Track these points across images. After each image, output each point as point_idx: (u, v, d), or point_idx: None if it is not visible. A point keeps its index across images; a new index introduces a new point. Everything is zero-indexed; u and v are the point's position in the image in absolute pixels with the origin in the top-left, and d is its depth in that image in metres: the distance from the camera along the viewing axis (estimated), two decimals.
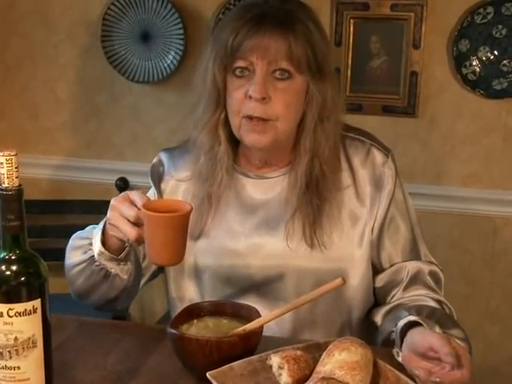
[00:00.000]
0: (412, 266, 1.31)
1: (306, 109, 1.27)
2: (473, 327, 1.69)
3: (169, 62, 2.38)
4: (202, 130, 1.30)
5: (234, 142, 1.31)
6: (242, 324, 1.11)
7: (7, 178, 0.90)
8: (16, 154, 0.90)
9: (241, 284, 1.31)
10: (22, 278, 0.92)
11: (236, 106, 1.24)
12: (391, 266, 1.32)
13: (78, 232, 1.32)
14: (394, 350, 1.12)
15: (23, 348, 0.92)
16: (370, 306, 1.36)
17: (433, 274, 1.32)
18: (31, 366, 0.93)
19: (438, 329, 1.10)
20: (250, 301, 1.24)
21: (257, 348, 1.09)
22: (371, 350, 1.04)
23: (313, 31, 1.23)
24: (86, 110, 2.53)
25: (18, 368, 0.93)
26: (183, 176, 1.37)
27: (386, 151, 1.34)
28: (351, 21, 2.24)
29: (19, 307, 0.91)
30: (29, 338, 0.92)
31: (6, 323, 0.91)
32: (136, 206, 1.12)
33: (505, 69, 2.19)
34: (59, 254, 1.46)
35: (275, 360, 1.02)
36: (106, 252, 1.21)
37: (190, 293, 1.36)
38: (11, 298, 0.91)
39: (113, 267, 1.23)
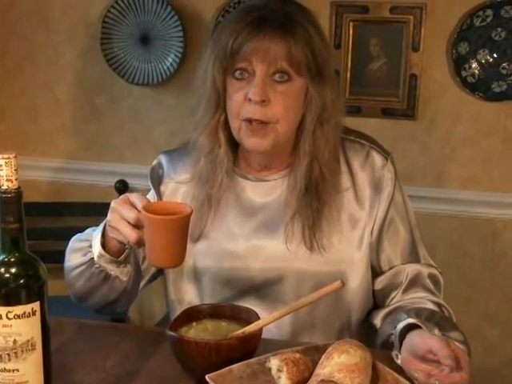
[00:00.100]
0: (411, 269, 1.31)
1: (305, 111, 1.27)
2: (472, 329, 1.69)
3: (168, 64, 2.38)
4: (202, 133, 1.30)
5: (234, 145, 1.31)
6: (241, 327, 1.11)
7: (6, 180, 0.90)
8: (15, 157, 0.90)
9: (240, 286, 1.31)
10: (21, 281, 0.92)
11: (235, 108, 1.24)
12: (390, 268, 1.32)
13: (78, 234, 1.32)
14: (393, 353, 1.11)
15: (22, 350, 0.92)
16: (369, 309, 1.36)
17: (432, 277, 1.33)
18: (30, 368, 0.93)
19: (437, 331, 1.10)
20: (250, 303, 1.24)
21: (256, 351, 1.09)
22: (370, 353, 1.04)
23: (312, 34, 1.23)
24: (86, 112, 2.54)
25: (17, 370, 0.92)
26: (183, 178, 1.37)
27: (386, 154, 1.34)
28: (351, 23, 2.25)
29: (18, 310, 0.91)
30: (28, 341, 0.92)
31: (5, 326, 0.91)
32: (136, 208, 1.12)
33: (504, 71, 2.19)
34: (58, 257, 1.46)
35: (274, 363, 1.02)
36: (106, 254, 1.21)
37: (189, 295, 1.36)
38: (10, 300, 0.91)
39: (112, 269, 1.23)
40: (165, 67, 2.38)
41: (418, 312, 1.18)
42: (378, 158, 1.32)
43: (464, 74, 2.20)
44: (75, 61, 2.50)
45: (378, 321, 1.31)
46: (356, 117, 2.23)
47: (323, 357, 1.02)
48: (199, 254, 1.32)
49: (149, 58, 2.40)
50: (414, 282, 1.31)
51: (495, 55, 2.19)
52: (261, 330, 1.10)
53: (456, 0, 2.19)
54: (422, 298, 1.28)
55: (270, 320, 1.10)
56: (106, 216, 1.24)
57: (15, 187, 0.91)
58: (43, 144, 2.59)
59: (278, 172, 1.33)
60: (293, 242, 1.28)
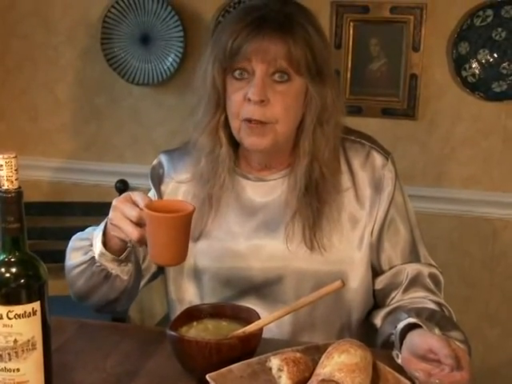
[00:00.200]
0: (412, 269, 1.31)
1: (305, 111, 1.27)
2: (472, 329, 1.69)
3: (168, 64, 2.38)
4: (203, 133, 1.30)
5: (235, 145, 1.32)
6: (242, 326, 1.11)
7: (7, 180, 0.90)
8: (16, 157, 0.90)
9: (240, 286, 1.31)
10: (22, 280, 0.92)
11: (235, 108, 1.24)
12: (391, 268, 1.32)
13: (78, 233, 1.32)
14: (394, 352, 1.11)
15: (23, 350, 0.92)
16: (369, 308, 1.36)
17: (432, 277, 1.33)
18: (31, 368, 0.93)
19: (437, 331, 1.10)
20: (250, 303, 1.24)
21: (256, 350, 1.09)
22: (371, 352, 1.04)
23: (312, 34, 1.23)
24: (86, 111, 2.54)
25: (18, 370, 0.93)
26: (183, 178, 1.37)
27: (386, 154, 1.34)
28: (351, 23, 2.25)
29: (19, 309, 0.91)
30: (28, 340, 0.92)
31: (6, 325, 0.91)
32: (138, 206, 1.13)
33: (504, 71, 2.19)
34: (59, 256, 1.46)
35: (275, 362, 1.02)
36: (107, 253, 1.21)
37: (189, 294, 1.36)
38: (11, 300, 0.91)
39: (113, 268, 1.23)
40: (165, 67, 2.38)
41: (418, 311, 1.18)
42: (378, 158, 1.32)
43: (464, 73, 2.20)
44: (75, 61, 2.51)
45: (378, 320, 1.31)
46: (356, 117, 2.23)
47: (323, 356, 1.02)
48: (200, 253, 1.32)
49: (149, 58, 2.40)
50: (415, 282, 1.31)
51: (495, 55, 2.19)
52: (261, 329, 1.10)
53: (456, 0, 2.19)
54: (422, 298, 1.28)
55: (270, 320, 1.10)
56: (106, 216, 1.24)
57: (15, 187, 0.91)
58: (43, 144, 2.59)
59: (279, 172, 1.33)
60: (293, 241, 1.28)
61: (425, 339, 1.04)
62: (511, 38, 2.17)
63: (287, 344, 1.12)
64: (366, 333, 1.34)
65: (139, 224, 1.12)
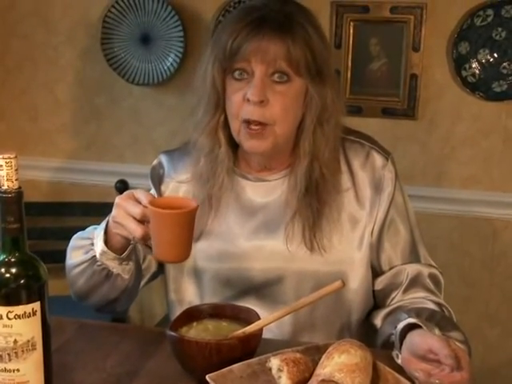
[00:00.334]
0: (412, 269, 1.31)
1: (305, 111, 1.26)
2: (472, 329, 1.69)
3: (169, 64, 2.38)
4: (202, 133, 1.30)
5: (234, 145, 1.31)
6: (242, 326, 1.11)
7: (7, 180, 0.90)
8: (16, 157, 0.90)
9: (240, 286, 1.31)
10: (22, 281, 0.92)
11: (235, 109, 1.24)
12: (391, 268, 1.32)
13: (79, 232, 1.32)
14: (394, 353, 1.11)
15: (23, 350, 0.92)
16: (369, 309, 1.36)
17: (432, 277, 1.33)
18: (31, 368, 0.93)
19: (437, 331, 1.10)
20: (250, 303, 1.24)
21: (256, 350, 1.09)
22: (371, 353, 1.04)
23: (312, 34, 1.23)
24: (86, 111, 2.54)
25: (18, 370, 0.93)
26: (183, 178, 1.37)
27: (386, 154, 1.34)
28: (351, 23, 2.25)
29: (19, 310, 0.91)
30: (28, 341, 0.92)
31: (6, 326, 0.91)
32: (141, 203, 1.13)
33: (504, 71, 2.19)
34: (59, 256, 1.46)
35: (275, 362, 1.02)
36: (109, 251, 1.21)
37: (189, 295, 1.36)
38: (11, 300, 0.91)
39: (115, 267, 1.23)
40: (165, 67, 2.38)
41: (418, 312, 1.18)
42: (378, 158, 1.32)
43: (464, 73, 2.20)
44: (75, 61, 2.51)
45: (378, 321, 1.31)
46: (356, 117, 2.23)
47: (324, 357, 1.02)
48: (200, 253, 1.32)
49: (149, 58, 2.40)
50: (415, 282, 1.31)
51: (496, 55, 2.19)
52: (261, 329, 1.10)
53: (456, 0, 2.19)
54: (422, 298, 1.28)
55: (270, 320, 1.10)
56: (106, 216, 1.24)
57: (15, 187, 0.91)
58: (43, 144, 2.59)
59: (279, 172, 1.33)
60: (293, 242, 1.28)
61: (425, 339, 1.04)
62: (511, 38, 2.17)
63: (287, 344, 1.12)
64: (366, 333, 1.34)
65: (142, 221, 1.12)
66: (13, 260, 0.92)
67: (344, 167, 1.32)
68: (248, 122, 1.22)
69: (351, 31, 2.25)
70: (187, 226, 1.08)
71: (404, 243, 1.33)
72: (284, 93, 1.22)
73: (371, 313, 1.35)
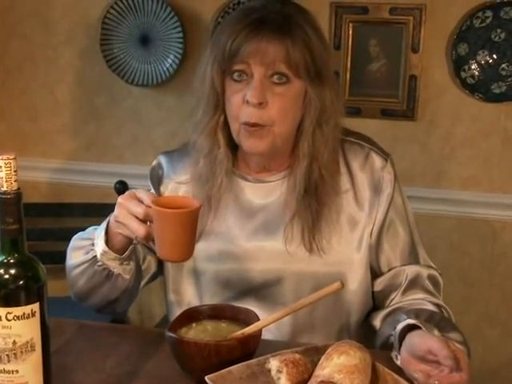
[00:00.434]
0: (411, 270, 1.31)
1: (304, 113, 1.26)
2: (472, 330, 1.69)
3: (168, 65, 2.38)
4: (202, 134, 1.30)
5: (233, 146, 1.32)
6: (241, 328, 1.11)
7: (6, 181, 0.90)
8: (15, 158, 0.90)
9: (240, 287, 1.31)
10: (21, 282, 0.92)
11: (234, 111, 1.24)
12: (390, 269, 1.32)
13: (79, 233, 1.32)
14: (393, 354, 1.12)
15: (21, 352, 0.92)
16: (368, 310, 1.36)
17: (431, 278, 1.33)
18: (29, 369, 0.93)
19: (436, 332, 1.10)
20: (249, 304, 1.24)
21: (255, 352, 1.09)
22: (370, 354, 1.04)
23: (311, 35, 1.23)
24: (86, 112, 2.54)
25: (17, 372, 0.92)
26: (182, 179, 1.37)
27: (385, 155, 1.34)
28: (350, 24, 2.25)
29: (18, 311, 0.91)
30: (27, 342, 0.92)
31: (5, 327, 0.91)
32: (143, 203, 1.13)
33: (504, 72, 2.19)
34: (58, 257, 1.46)
35: (274, 364, 1.02)
36: (110, 251, 1.21)
37: (188, 296, 1.36)
38: (10, 301, 0.91)
39: (115, 267, 1.23)
40: (164, 68, 2.38)
41: (417, 313, 1.18)
42: (377, 160, 1.32)
43: (463, 75, 2.20)
44: (75, 61, 2.51)
45: (377, 322, 1.31)
46: (355, 118, 2.23)
47: (323, 358, 1.02)
48: (199, 254, 1.32)
49: (148, 59, 2.40)
50: (414, 284, 1.31)
51: (495, 56, 2.19)
52: (260, 331, 1.10)
53: (455, 1, 2.19)
54: (421, 300, 1.28)
55: (269, 321, 1.10)
56: (105, 216, 1.24)
57: (15, 188, 0.91)
58: (43, 145, 2.59)
59: (278, 173, 1.33)
60: (292, 243, 1.28)
61: (424, 340, 1.04)
62: (510, 39, 2.17)
63: (286, 345, 1.12)
64: (365, 334, 1.34)
65: (144, 221, 1.12)
66: (12, 261, 0.92)
67: (343, 168, 1.32)
68: (247, 124, 1.22)
69: (350, 32, 2.25)
70: (190, 225, 1.09)
71: (403, 244, 1.33)
72: (283, 94, 1.22)
73: (370, 314, 1.35)
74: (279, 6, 1.25)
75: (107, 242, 1.21)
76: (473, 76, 2.20)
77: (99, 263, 1.23)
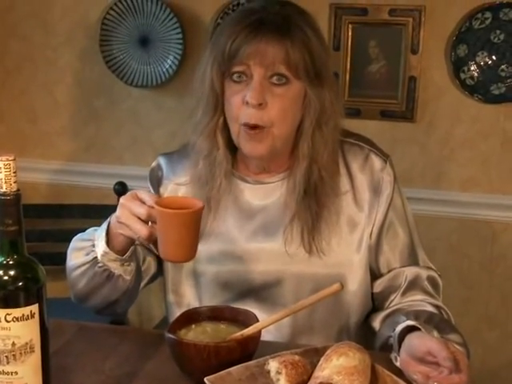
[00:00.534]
0: (410, 272, 1.31)
1: (304, 114, 1.26)
2: (471, 331, 1.69)
3: (167, 66, 2.38)
4: (201, 135, 1.30)
5: (233, 147, 1.31)
6: (240, 329, 1.11)
7: (5, 182, 0.90)
8: (14, 159, 0.90)
9: (239, 289, 1.31)
10: (20, 283, 0.92)
11: (234, 112, 1.24)
12: (389, 271, 1.32)
13: (79, 234, 1.32)
14: (392, 355, 1.12)
15: (21, 353, 0.92)
16: (368, 311, 1.36)
17: (431, 280, 1.33)
18: (29, 371, 0.93)
19: (436, 334, 1.10)
20: (249, 306, 1.23)
21: (255, 353, 1.09)
22: (369, 355, 1.04)
23: (310, 37, 1.23)
24: (85, 113, 2.54)
25: (16, 373, 0.92)
26: (182, 180, 1.37)
27: (385, 157, 1.34)
28: (349, 25, 2.25)
29: (17, 312, 0.91)
30: (26, 343, 0.92)
31: (4, 328, 0.91)
32: (145, 204, 1.13)
33: (503, 74, 2.19)
34: (58, 259, 1.46)
35: (273, 365, 1.02)
36: (111, 252, 1.21)
37: (188, 297, 1.36)
38: (9, 303, 0.91)
39: (116, 268, 1.23)
40: (164, 69, 2.38)
41: (416, 314, 1.18)
42: (377, 161, 1.32)
43: (463, 76, 2.21)
44: (74, 62, 2.51)
45: (376, 323, 1.31)
46: (355, 119, 2.23)
47: (322, 359, 1.02)
48: (199, 255, 1.31)
49: (148, 60, 2.40)
50: (413, 285, 1.31)
51: (494, 57, 2.19)
52: (260, 332, 1.10)
53: (455, 2, 2.19)
54: (420, 301, 1.28)
55: (268, 322, 1.10)
56: (105, 218, 1.24)
57: (14, 190, 0.91)
58: (42, 146, 2.59)
59: (277, 175, 1.33)
60: (292, 245, 1.28)
61: (423, 341, 1.04)
62: (510, 41, 2.17)
63: (286, 347, 1.12)
64: (364, 335, 1.34)
65: (146, 222, 1.12)
66: (11, 262, 0.92)
67: (343, 170, 1.32)
68: (247, 126, 1.22)
69: (350, 33, 2.25)
70: (194, 225, 1.09)
71: (402, 246, 1.33)
72: (283, 95, 1.22)
73: (370, 315, 1.35)
74: (278, 7, 1.25)
75: (108, 242, 1.21)
76: (472, 77, 2.21)
77: (100, 264, 1.23)
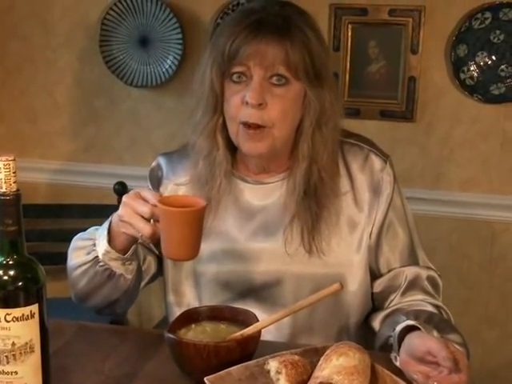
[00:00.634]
0: (410, 272, 1.31)
1: (303, 114, 1.26)
2: (471, 331, 1.69)
3: (167, 66, 2.38)
4: (200, 135, 1.30)
5: (233, 148, 1.31)
6: (240, 329, 1.11)
7: (5, 183, 0.90)
8: (14, 159, 0.90)
9: (239, 289, 1.31)
10: (20, 283, 0.92)
11: (233, 112, 1.24)
12: (389, 271, 1.32)
13: (80, 233, 1.32)
14: (392, 355, 1.12)
15: (20, 353, 0.92)
16: (367, 311, 1.36)
17: (431, 280, 1.33)
18: (28, 371, 0.93)
19: (435, 333, 1.10)
20: (249, 306, 1.23)
21: (255, 353, 1.09)
22: (369, 355, 1.04)
23: (310, 37, 1.23)
24: (85, 114, 2.54)
25: (16, 373, 0.93)
26: (182, 181, 1.37)
27: (385, 157, 1.34)
28: (349, 26, 2.25)
29: (17, 312, 0.91)
30: (26, 343, 0.92)
31: (4, 328, 0.91)
32: (148, 203, 1.13)
33: (503, 74, 2.19)
34: (58, 258, 1.46)
35: (273, 365, 1.02)
36: (113, 251, 1.21)
37: (187, 297, 1.36)
38: (9, 303, 0.91)
39: (118, 267, 1.23)
40: (164, 69, 2.38)
41: (416, 314, 1.18)
42: (376, 161, 1.32)
43: (463, 76, 2.21)
44: (74, 63, 2.51)
45: (376, 323, 1.31)
46: (355, 119, 2.23)
47: (322, 359, 1.02)
48: (199, 255, 1.32)
49: (148, 60, 2.40)
50: (413, 285, 1.31)
51: (494, 57, 2.19)
52: (259, 332, 1.10)
53: (455, 2, 2.19)
54: (420, 301, 1.28)
55: (268, 322, 1.10)
56: (105, 217, 1.24)
57: (14, 189, 0.91)
58: (42, 146, 2.59)
59: (277, 175, 1.33)
60: (292, 245, 1.28)
61: (423, 341, 1.04)
62: (509, 41, 2.17)
63: (285, 347, 1.12)
64: (364, 335, 1.34)
65: (149, 220, 1.13)
66: (11, 262, 0.92)
67: (343, 170, 1.32)
68: (246, 125, 1.23)
69: (350, 34, 2.26)
70: (197, 223, 1.09)
71: (402, 246, 1.33)
72: (282, 95, 1.22)
73: (370, 315, 1.35)
74: (278, 8, 1.25)
75: (109, 241, 1.21)
76: (472, 77, 2.21)
77: (101, 263, 1.23)
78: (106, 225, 1.22)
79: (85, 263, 1.25)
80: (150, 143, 2.47)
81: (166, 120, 2.45)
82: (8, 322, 0.91)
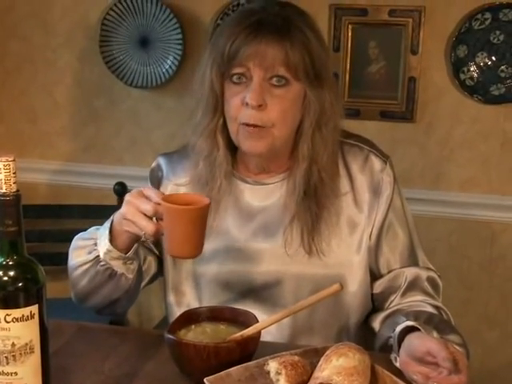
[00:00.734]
0: (410, 272, 1.31)
1: (303, 115, 1.26)
2: (471, 332, 1.69)
3: (167, 66, 2.38)
4: (201, 136, 1.30)
5: (233, 148, 1.32)
6: (240, 329, 1.11)
7: (5, 183, 0.90)
8: (14, 160, 0.90)
9: (239, 289, 1.31)
10: (20, 284, 0.92)
11: (233, 112, 1.24)
12: (389, 272, 1.32)
13: (81, 233, 1.32)
14: (392, 356, 1.12)
15: (20, 354, 0.92)
16: (367, 312, 1.36)
17: (430, 280, 1.33)
18: (28, 371, 0.93)
19: (435, 334, 1.10)
20: (249, 306, 1.24)
21: (254, 353, 1.09)
22: (369, 356, 1.04)
23: (310, 38, 1.23)
24: (85, 114, 2.54)
25: (16, 374, 0.93)
26: (182, 181, 1.37)
27: (385, 158, 1.34)
28: (349, 26, 2.25)
29: (16, 313, 0.91)
30: (26, 344, 0.92)
31: (4, 329, 0.91)
32: (151, 201, 1.13)
33: (502, 74, 2.19)
34: (57, 259, 1.46)
35: (273, 365, 1.02)
36: (114, 250, 1.21)
37: (187, 297, 1.36)
38: (8, 303, 0.91)
39: (119, 266, 1.23)
40: (163, 70, 2.39)
41: (416, 315, 1.18)
42: (376, 162, 1.32)
43: (463, 76, 2.21)
44: (74, 63, 2.51)
45: (376, 324, 1.31)
46: (355, 119, 2.23)
47: (322, 360, 1.02)
48: (198, 256, 1.32)
49: (148, 61, 2.40)
50: (413, 286, 1.31)
51: (494, 58, 2.19)
52: (259, 332, 1.10)
53: (455, 3, 2.19)
54: (420, 302, 1.28)
55: (268, 323, 1.10)
56: (104, 218, 1.24)
57: (14, 190, 0.91)
58: (42, 146, 2.59)
59: (277, 175, 1.33)
60: (292, 245, 1.28)
61: (423, 342, 1.04)
62: (509, 41, 2.17)
63: (285, 347, 1.12)
64: (364, 336, 1.34)
65: (152, 219, 1.13)
66: (11, 263, 0.92)
67: (343, 171, 1.32)
68: (247, 125, 1.23)
69: (350, 34, 2.26)
70: (200, 221, 1.09)
71: (402, 247, 1.33)
72: (282, 96, 1.22)
73: (369, 316, 1.35)
74: (278, 8, 1.25)
75: (111, 241, 1.21)
76: (472, 78, 2.21)
77: (102, 263, 1.23)
78: (107, 224, 1.23)
79: (86, 263, 1.25)
80: (149, 143, 2.47)
81: (166, 120, 2.45)
82: (8, 322, 0.91)
